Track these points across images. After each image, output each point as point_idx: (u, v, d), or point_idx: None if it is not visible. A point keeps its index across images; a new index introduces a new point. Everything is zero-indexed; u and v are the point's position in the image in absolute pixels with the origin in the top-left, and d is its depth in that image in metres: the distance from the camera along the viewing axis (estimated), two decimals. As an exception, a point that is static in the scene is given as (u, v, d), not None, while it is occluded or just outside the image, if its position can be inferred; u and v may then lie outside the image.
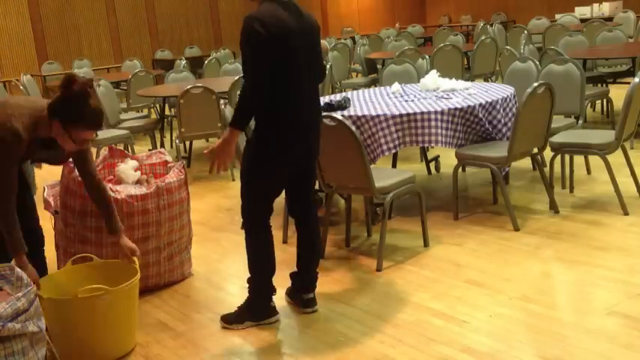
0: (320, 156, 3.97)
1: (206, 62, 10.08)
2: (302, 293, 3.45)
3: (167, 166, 4.14)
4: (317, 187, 4.97)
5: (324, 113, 3.47)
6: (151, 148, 7.40)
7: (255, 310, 3.35)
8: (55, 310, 3.04)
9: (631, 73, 7.00)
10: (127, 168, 3.99)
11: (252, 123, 3.13)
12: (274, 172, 3.18)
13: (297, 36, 2.99)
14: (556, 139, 4.59)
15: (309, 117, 3.15)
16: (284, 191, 3.37)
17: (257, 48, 2.89)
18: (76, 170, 3.63)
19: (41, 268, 3.43)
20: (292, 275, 3.54)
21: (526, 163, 5.55)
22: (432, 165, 5.89)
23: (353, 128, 3.68)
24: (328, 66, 7.53)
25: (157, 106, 8.70)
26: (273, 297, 3.39)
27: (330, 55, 9.61)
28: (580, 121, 5.15)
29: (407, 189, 4.03)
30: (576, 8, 13.12)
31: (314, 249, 3.44)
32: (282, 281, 3.88)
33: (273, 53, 2.91)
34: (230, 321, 3.35)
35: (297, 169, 3.25)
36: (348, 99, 4.80)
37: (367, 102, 4.93)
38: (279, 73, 2.96)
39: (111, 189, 3.67)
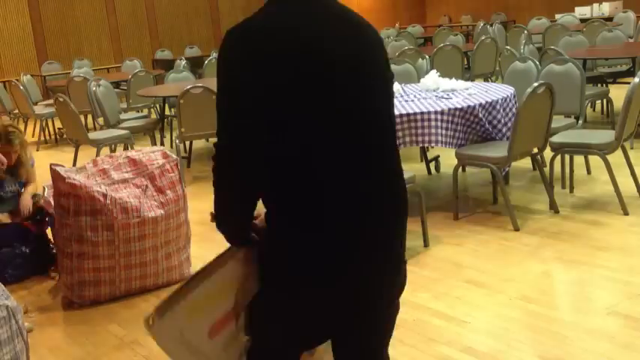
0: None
1: (206, 62, 10.07)
2: None
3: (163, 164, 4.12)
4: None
5: None
6: (150, 148, 7.40)
7: None
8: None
9: (631, 73, 6.99)
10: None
11: None
12: (288, 318, 1.69)
13: (334, 62, 1.54)
14: (556, 139, 4.59)
15: (359, 217, 1.61)
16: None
17: (234, 88, 1.51)
18: (67, 172, 3.64)
19: None
20: None
21: (526, 163, 5.54)
22: (432, 165, 5.88)
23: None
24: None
25: (157, 106, 8.71)
26: None
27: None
28: (580, 121, 5.15)
29: (407, 189, 4.02)
30: (576, 8, 13.11)
31: None
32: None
33: (269, 98, 1.49)
34: None
35: (340, 315, 1.69)
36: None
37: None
38: (294, 133, 1.53)
39: (106, 191, 3.67)
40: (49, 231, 4.35)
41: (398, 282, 1.73)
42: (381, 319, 1.77)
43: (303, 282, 1.60)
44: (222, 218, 1.74)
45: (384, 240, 1.65)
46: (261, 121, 1.49)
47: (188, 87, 6.22)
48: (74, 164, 6.64)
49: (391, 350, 2.99)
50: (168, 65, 11.43)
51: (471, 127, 4.54)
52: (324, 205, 1.56)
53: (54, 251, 4.26)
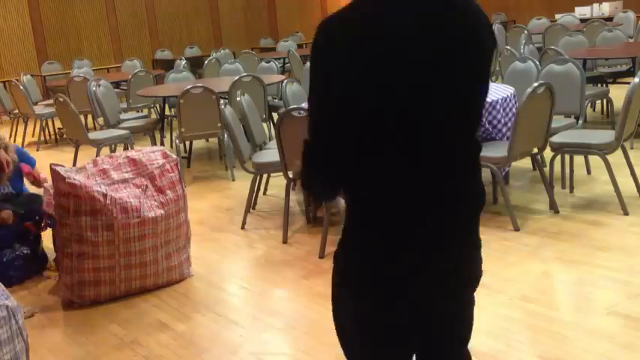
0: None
1: (206, 62, 10.07)
2: None
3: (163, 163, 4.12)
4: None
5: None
6: (150, 148, 7.40)
7: None
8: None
9: (631, 73, 6.99)
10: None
11: None
12: (373, 321, 1.64)
13: (420, 52, 1.47)
14: (556, 139, 4.59)
15: (442, 210, 1.57)
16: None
17: (322, 74, 1.50)
18: (67, 172, 3.65)
19: None
20: None
21: (526, 163, 5.54)
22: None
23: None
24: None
25: (157, 106, 8.70)
26: None
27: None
28: (580, 121, 5.15)
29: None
30: (576, 8, 13.11)
31: None
32: (282, 282, 3.88)
33: (359, 83, 1.46)
34: None
35: (423, 307, 1.65)
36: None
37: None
38: (376, 120, 1.49)
39: (106, 191, 3.68)
40: (50, 232, 4.35)
41: (476, 274, 1.72)
42: (466, 314, 1.76)
43: (393, 273, 1.56)
44: (310, 175, 1.61)
45: (455, 231, 1.61)
46: (358, 104, 1.46)
47: (188, 87, 6.22)
48: (74, 164, 6.64)
49: (391, 350, 2.99)
50: (168, 65, 11.43)
51: (471, 127, 4.53)
52: (409, 197, 1.53)
53: (44, 252, 4.30)
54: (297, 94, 6.04)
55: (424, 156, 1.52)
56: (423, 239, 1.55)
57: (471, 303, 1.75)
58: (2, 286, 2.64)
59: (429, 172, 1.54)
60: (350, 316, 1.66)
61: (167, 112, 8.28)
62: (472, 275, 1.70)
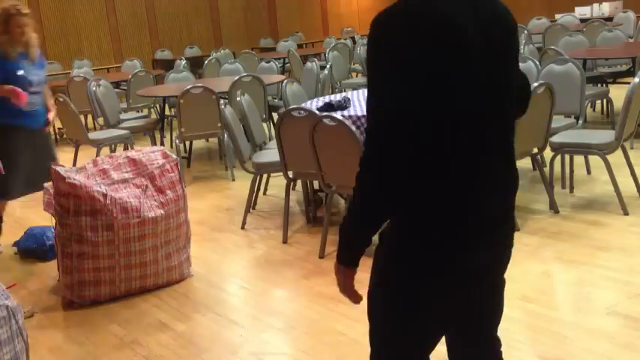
0: (319, 156, 3.96)
1: (206, 62, 10.08)
2: None
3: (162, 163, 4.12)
4: (317, 187, 4.99)
5: (323, 113, 3.23)
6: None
7: None
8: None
9: (631, 73, 6.99)
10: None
11: None
12: (428, 308, 1.66)
13: (476, 42, 1.53)
14: (556, 139, 4.59)
15: (495, 192, 1.63)
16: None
17: (389, 66, 1.49)
18: (67, 172, 3.65)
19: None
20: None
21: (526, 163, 5.54)
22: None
23: (353, 128, 3.68)
24: (328, 66, 7.53)
25: (157, 106, 8.71)
26: None
27: (330, 55, 9.61)
28: (580, 121, 5.15)
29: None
30: (576, 8, 13.11)
31: None
32: (282, 282, 3.88)
33: (420, 75, 1.48)
34: None
35: (474, 288, 1.70)
36: (348, 99, 4.80)
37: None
38: (438, 109, 1.50)
39: (106, 190, 3.68)
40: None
41: (509, 255, 1.77)
42: (498, 296, 1.81)
43: (451, 260, 1.59)
44: (367, 192, 1.56)
45: (504, 215, 1.67)
46: (412, 91, 1.47)
47: (188, 87, 6.22)
48: (74, 164, 6.64)
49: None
50: (168, 65, 11.43)
51: (471, 127, 4.54)
52: (471, 181, 1.57)
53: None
54: (297, 94, 6.04)
55: (481, 139, 1.57)
56: (485, 221, 1.61)
57: (503, 285, 1.82)
58: (2, 286, 2.64)
59: (487, 156, 1.59)
60: (403, 303, 1.66)
61: (167, 112, 8.29)
62: (509, 258, 1.77)
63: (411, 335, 1.70)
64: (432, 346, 1.73)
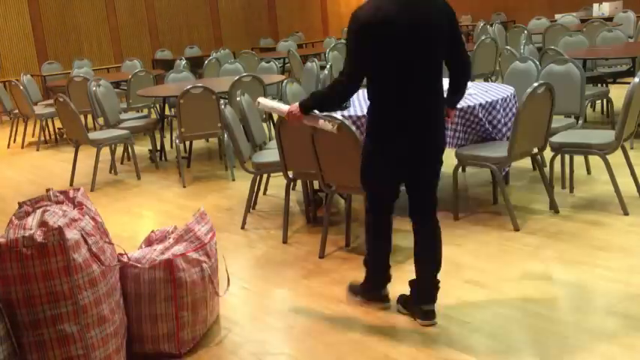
0: (319, 156, 3.97)
1: (206, 62, 10.07)
2: (421, 304, 3.18)
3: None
4: (317, 187, 4.99)
5: (323, 113, 3.36)
6: (150, 148, 7.40)
7: (367, 288, 3.39)
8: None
9: (631, 73, 7.00)
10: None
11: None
12: (379, 167, 3.16)
13: (401, 27, 2.86)
14: (556, 139, 4.59)
15: (413, 113, 3.00)
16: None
17: (351, 41, 2.96)
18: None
19: None
20: (411, 283, 3.25)
21: (526, 163, 5.54)
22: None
23: (353, 128, 3.68)
24: (328, 66, 7.53)
25: (157, 106, 8.70)
26: (388, 286, 3.39)
27: (330, 55, 9.61)
28: (580, 121, 5.15)
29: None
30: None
31: (434, 253, 3.18)
32: (282, 282, 3.88)
33: (367, 45, 2.92)
34: (350, 289, 3.46)
35: (405, 164, 3.12)
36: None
37: (367, 102, 4.92)
38: (378, 67, 2.95)
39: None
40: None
41: (440, 145, 3.11)
42: (432, 166, 3.14)
43: (382, 145, 3.08)
44: (325, 95, 3.18)
45: (422, 124, 3.05)
46: (363, 56, 2.96)
47: (188, 87, 6.22)
48: (74, 164, 6.64)
49: (391, 350, 2.99)
50: (168, 65, 11.44)
51: (470, 127, 4.54)
52: (394, 106, 3.01)
53: None
54: (297, 94, 6.04)
55: (404, 84, 2.98)
56: (402, 126, 3.03)
57: (438, 162, 3.16)
58: None
59: (408, 93, 2.99)
60: (373, 159, 3.16)
61: (167, 112, 8.29)
62: (440, 142, 3.12)
63: (375, 168, 3.17)
64: (389, 182, 3.21)
